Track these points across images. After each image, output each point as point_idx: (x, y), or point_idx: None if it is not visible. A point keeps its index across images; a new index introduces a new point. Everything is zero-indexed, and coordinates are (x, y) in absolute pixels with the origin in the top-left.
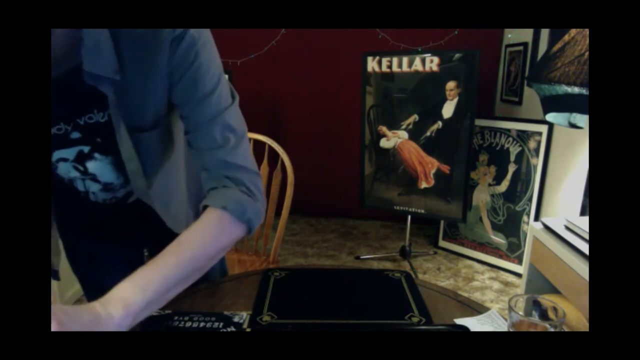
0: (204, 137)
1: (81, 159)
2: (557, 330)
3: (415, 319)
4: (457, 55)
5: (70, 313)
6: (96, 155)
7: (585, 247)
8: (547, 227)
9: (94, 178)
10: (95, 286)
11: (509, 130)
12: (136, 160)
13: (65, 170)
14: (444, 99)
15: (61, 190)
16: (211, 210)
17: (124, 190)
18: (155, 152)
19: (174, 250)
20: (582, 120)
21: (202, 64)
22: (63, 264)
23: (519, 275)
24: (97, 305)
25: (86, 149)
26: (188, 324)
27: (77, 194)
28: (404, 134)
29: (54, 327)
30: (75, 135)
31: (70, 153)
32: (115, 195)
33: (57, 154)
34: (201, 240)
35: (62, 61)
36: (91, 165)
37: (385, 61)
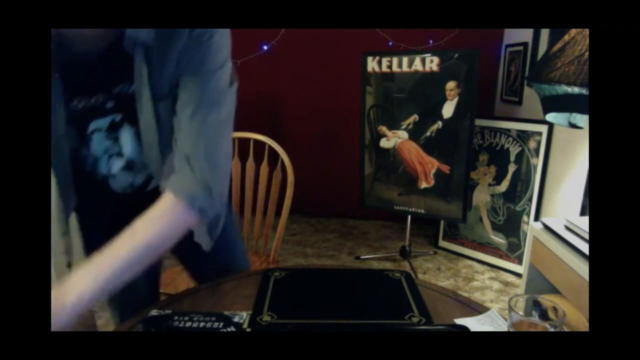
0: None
1: (113, 127)
2: (557, 330)
3: (415, 319)
4: (457, 55)
5: None
6: (125, 124)
7: (585, 247)
8: (547, 227)
9: (119, 153)
10: None
11: (509, 130)
12: (154, 130)
13: (99, 141)
14: (444, 99)
15: (84, 183)
16: (167, 196)
17: (143, 175)
18: (169, 124)
19: (127, 239)
20: (582, 120)
21: (214, 44)
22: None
23: (519, 275)
24: (53, 295)
25: (118, 117)
26: (188, 324)
27: (99, 185)
28: (404, 134)
29: None
30: (110, 105)
31: (104, 122)
32: (135, 181)
33: (93, 125)
34: (154, 229)
35: (104, 36)
36: (121, 135)
37: (385, 61)
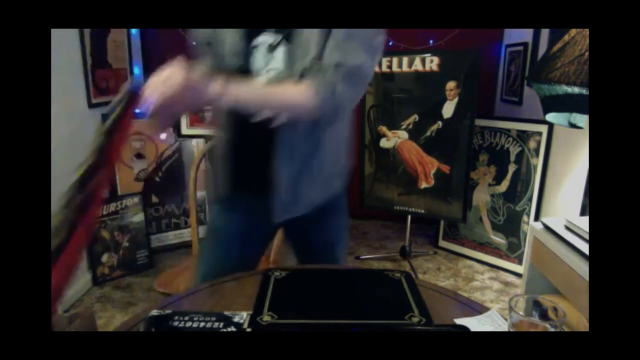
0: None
1: (272, 48)
2: (557, 330)
3: (415, 319)
4: (457, 56)
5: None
6: (282, 44)
7: (585, 247)
8: (547, 227)
9: (274, 66)
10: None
11: (509, 130)
12: (306, 49)
13: (260, 56)
14: (444, 99)
15: (234, 125)
16: (304, 82)
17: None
18: (317, 45)
19: (267, 89)
20: (582, 120)
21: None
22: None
23: (519, 275)
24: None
25: (279, 38)
26: (188, 324)
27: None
28: (404, 134)
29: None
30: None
31: (268, 39)
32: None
33: (259, 39)
34: (284, 92)
35: None
36: (276, 53)
37: (385, 61)
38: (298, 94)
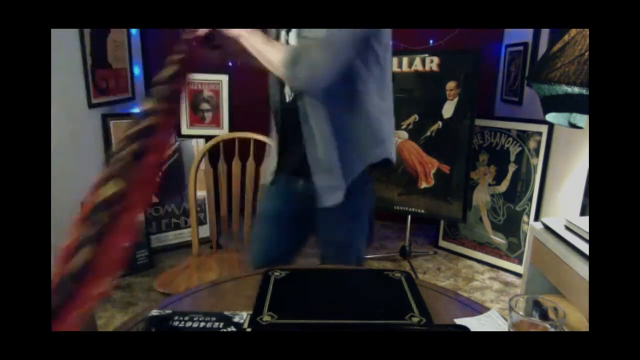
0: None
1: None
2: (557, 330)
3: (415, 319)
4: (457, 55)
5: None
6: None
7: (585, 247)
8: (547, 227)
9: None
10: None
11: (509, 130)
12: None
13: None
14: (444, 99)
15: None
16: (285, 47)
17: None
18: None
19: (261, 41)
20: (582, 120)
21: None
22: None
23: (519, 275)
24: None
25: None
26: (188, 324)
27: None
28: (404, 134)
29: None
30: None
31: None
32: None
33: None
34: (266, 47)
35: None
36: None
37: None
38: (276, 53)
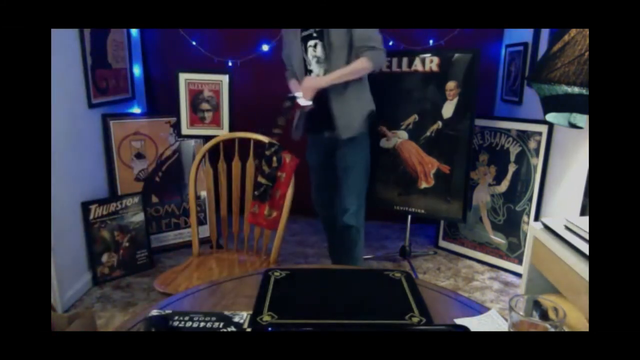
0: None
1: (315, 45)
2: (557, 330)
3: (415, 319)
4: (457, 55)
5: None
6: (318, 43)
7: (585, 247)
8: (547, 227)
9: (317, 57)
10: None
11: (509, 130)
12: (335, 46)
13: (310, 56)
14: (444, 99)
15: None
16: (362, 58)
17: (323, 70)
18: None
19: (341, 70)
20: (582, 120)
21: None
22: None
23: (519, 275)
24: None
25: (318, 41)
26: (188, 324)
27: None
28: (404, 134)
29: (306, 83)
30: (315, 34)
31: (311, 42)
32: (320, 73)
33: (309, 43)
34: (353, 67)
35: None
36: (317, 48)
37: (385, 61)
38: (362, 65)
